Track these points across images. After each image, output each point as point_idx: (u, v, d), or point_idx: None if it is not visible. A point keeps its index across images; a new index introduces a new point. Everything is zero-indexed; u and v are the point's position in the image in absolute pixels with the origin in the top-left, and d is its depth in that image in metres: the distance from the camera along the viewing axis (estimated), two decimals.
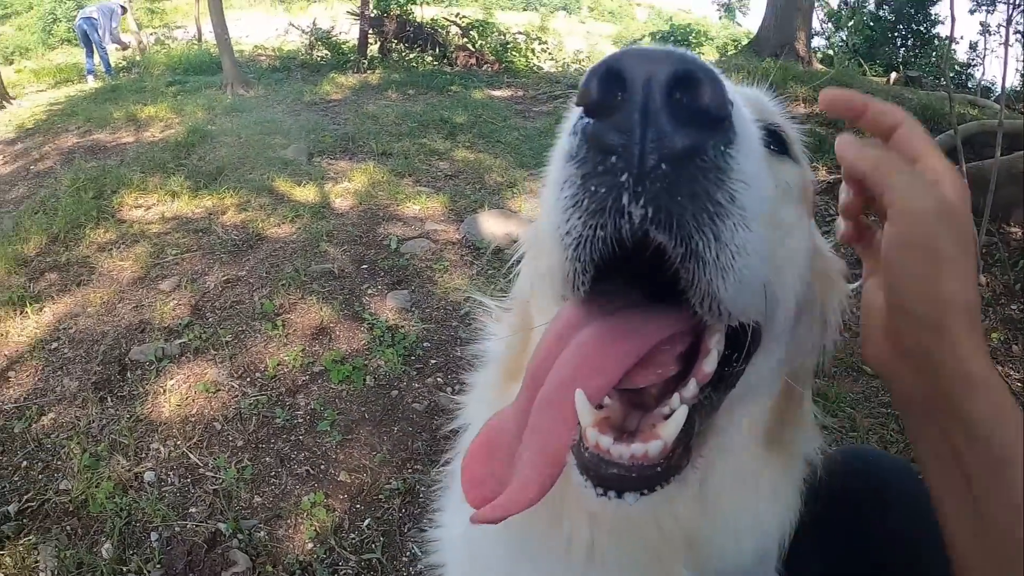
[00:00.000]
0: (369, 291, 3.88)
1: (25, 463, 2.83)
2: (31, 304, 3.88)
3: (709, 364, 0.56)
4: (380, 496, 2.61)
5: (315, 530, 2.45)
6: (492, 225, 4.48)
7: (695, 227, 0.47)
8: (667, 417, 0.54)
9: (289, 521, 2.51)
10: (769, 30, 11.23)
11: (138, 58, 13.70)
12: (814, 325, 0.76)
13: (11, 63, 16.90)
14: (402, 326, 3.56)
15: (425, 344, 3.43)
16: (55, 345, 3.55)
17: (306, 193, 5.31)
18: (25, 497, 2.65)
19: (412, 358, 3.33)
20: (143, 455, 2.81)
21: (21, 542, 2.43)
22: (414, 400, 3.09)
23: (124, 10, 13.23)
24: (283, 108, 8.44)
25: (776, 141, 0.71)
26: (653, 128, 0.44)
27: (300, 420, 2.97)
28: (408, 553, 2.39)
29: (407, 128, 7.26)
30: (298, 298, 3.77)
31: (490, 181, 5.69)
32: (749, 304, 0.52)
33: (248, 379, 3.20)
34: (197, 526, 2.48)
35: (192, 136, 6.74)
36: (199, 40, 15.58)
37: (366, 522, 2.50)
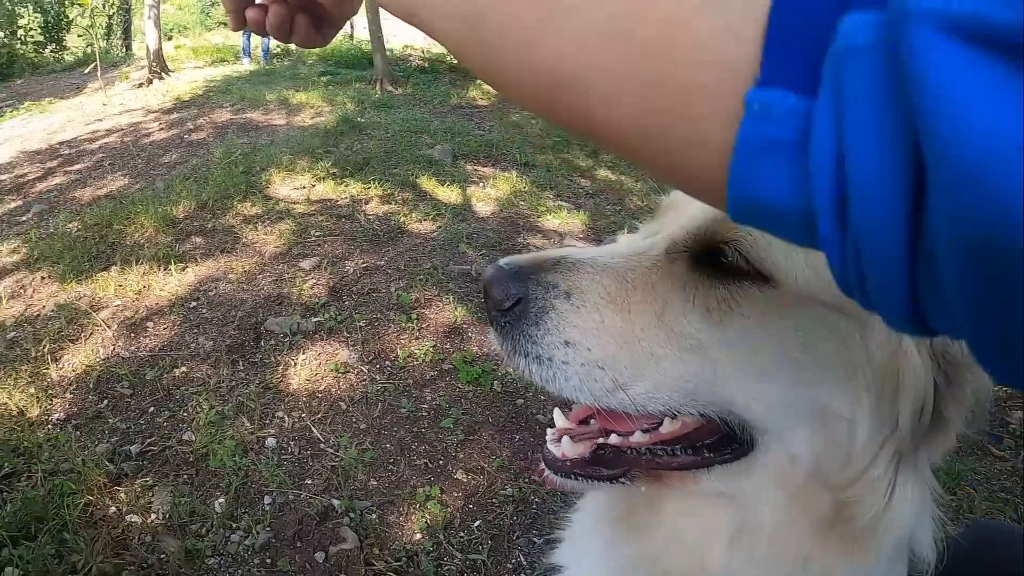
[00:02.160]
0: None
1: (152, 409, 3.18)
2: (175, 263, 4.36)
3: (664, 428, 0.76)
4: (494, 500, 2.74)
5: (426, 522, 2.62)
6: None
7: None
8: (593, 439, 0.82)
9: (401, 509, 2.68)
10: None
11: (292, 47, 14.79)
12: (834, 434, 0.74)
13: (170, 39, 18.65)
14: None
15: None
16: (194, 304, 3.97)
17: (449, 194, 5.63)
18: (148, 440, 2.99)
19: None
20: (267, 421, 3.09)
21: (138, 481, 2.74)
22: (538, 412, 3.23)
23: None
24: (430, 108, 8.95)
25: None
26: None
27: (424, 413, 3.16)
28: (513, 561, 2.50)
29: (551, 142, 7.57)
30: (434, 295, 4.01)
31: (630, 204, 5.84)
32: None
33: (378, 366, 3.45)
34: (311, 498, 2.69)
35: (342, 125, 7.30)
36: (351, 35, 16.70)
37: (476, 523, 2.63)
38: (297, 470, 2.84)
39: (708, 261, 0.72)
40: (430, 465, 2.89)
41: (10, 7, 16.07)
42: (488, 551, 2.51)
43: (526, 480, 2.83)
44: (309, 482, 2.78)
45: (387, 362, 3.49)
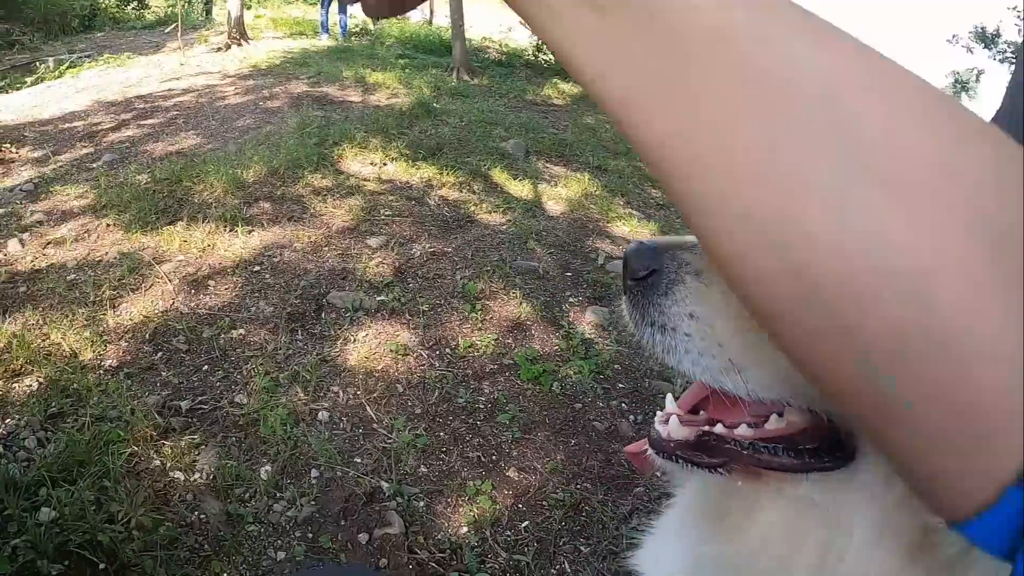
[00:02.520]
0: (570, 299, 4.01)
1: (207, 367, 3.17)
2: (242, 225, 4.38)
3: (770, 425, 0.76)
4: (544, 503, 2.67)
5: (473, 516, 2.55)
6: None
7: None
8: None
9: (450, 500, 2.63)
10: (1001, 122, 10.92)
11: (371, 27, 15.01)
12: None
13: (250, 8, 18.99)
14: (597, 342, 3.65)
15: (616, 366, 3.49)
16: (257, 269, 3.97)
17: (520, 188, 5.59)
18: (199, 398, 2.97)
19: (601, 376, 3.40)
20: (321, 394, 3.05)
21: (185, 438, 2.72)
22: (596, 418, 3.15)
23: None
24: (505, 102, 8.97)
25: None
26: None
27: (481, 406, 3.10)
28: (558, 567, 2.43)
29: (623, 148, 7.53)
30: (500, 288, 3.96)
31: None
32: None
33: (438, 352, 3.40)
34: (359, 477, 2.64)
35: (417, 108, 7.32)
36: (430, 21, 16.85)
37: (524, 524, 2.56)
38: (347, 447, 2.80)
39: None
40: (483, 459, 2.83)
41: None
42: (533, 553, 2.44)
43: (578, 486, 2.75)
44: (359, 461, 2.74)
45: (447, 349, 3.43)
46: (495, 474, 2.77)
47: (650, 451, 0.82)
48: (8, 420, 2.77)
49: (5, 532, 2.21)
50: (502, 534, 2.51)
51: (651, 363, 3.54)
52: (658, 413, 0.85)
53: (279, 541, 2.38)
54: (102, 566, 2.15)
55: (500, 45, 14.77)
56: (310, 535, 2.41)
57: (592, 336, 3.70)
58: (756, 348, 0.71)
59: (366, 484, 2.61)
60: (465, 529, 2.51)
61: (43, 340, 3.25)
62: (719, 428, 0.79)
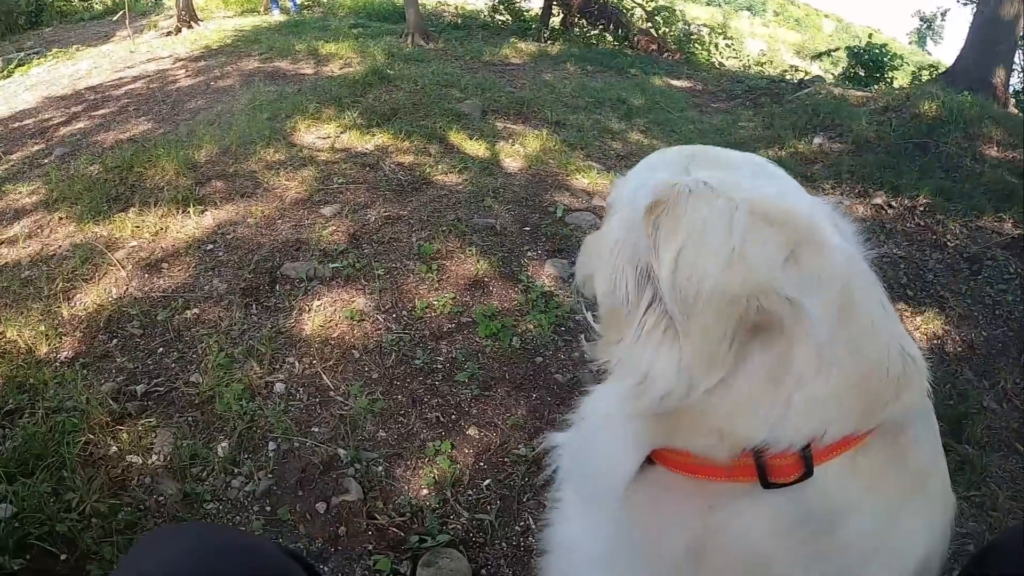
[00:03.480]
0: (529, 254, 4.01)
1: (161, 350, 3.17)
2: (194, 206, 4.35)
3: None
4: (506, 460, 2.68)
5: (433, 478, 2.56)
6: None
7: None
8: None
9: (410, 463, 2.64)
10: (967, 61, 10.89)
11: None
12: None
13: None
14: (557, 295, 3.65)
15: (577, 317, 3.49)
16: (211, 247, 3.96)
17: (476, 148, 5.55)
18: (155, 381, 2.97)
19: (562, 329, 3.41)
20: (277, 366, 3.06)
21: (141, 422, 2.73)
22: (557, 371, 3.16)
23: None
24: (461, 64, 8.88)
25: None
26: None
27: (439, 366, 3.11)
28: (522, 523, 2.44)
29: (583, 102, 7.49)
30: (456, 247, 3.95)
31: None
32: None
33: (394, 315, 3.40)
34: (316, 446, 2.65)
35: (370, 76, 7.23)
36: None
37: (486, 482, 2.58)
38: (304, 417, 2.81)
39: None
40: (442, 419, 2.84)
41: None
42: (496, 511, 2.46)
43: (540, 441, 2.76)
44: (316, 430, 2.75)
45: (404, 312, 3.43)
46: (455, 433, 2.78)
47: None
48: None
49: None
50: (464, 494, 2.52)
51: None
52: None
53: (238, 517, 2.39)
54: (63, 557, 2.17)
55: (456, 8, 14.61)
56: (268, 508, 2.43)
57: (551, 289, 3.70)
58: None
59: (323, 453, 2.62)
60: (425, 491, 2.53)
61: None
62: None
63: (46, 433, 2.61)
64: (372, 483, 2.54)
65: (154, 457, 2.60)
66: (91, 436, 2.63)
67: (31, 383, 2.93)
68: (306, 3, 14.60)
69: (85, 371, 3.00)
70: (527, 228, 4.30)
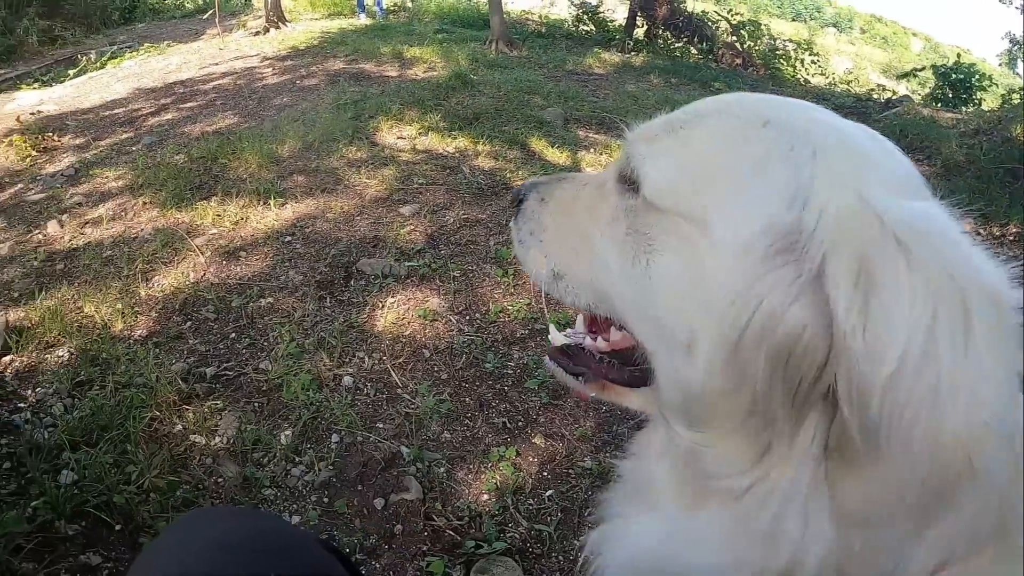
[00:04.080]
0: None
1: (233, 335, 3.24)
2: (275, 198, 4.48)
3: (612, 336, 0.89)
4: (570, 471, 2.64)
5: (495, 484, 2.54)
6: None
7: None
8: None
9: (472, 466, 2.62)
10: None
11: (409, 4, 15.15)
12: None
13: None
14: None
15: None
16: (289, 239, 4.05)
17: (558, 155, 5.57)
18: (224, 365, 3.04)
19: None
20: (346, 360, 3.09)
21: (208, 404, 2.79)
22: None
23: None
24: (544, 72, 8.94)
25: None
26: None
27: (509, 371, 3.09)
28: (582, 538, 2.39)
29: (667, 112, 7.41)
30: None
31: None
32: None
33: (467, 318, 3.41)
34: (380, 442, 2.66)
35: (454, 80, 7.35)
36: None
37: (548, 492, 2.54)
38: (370, 412, 2.82)
39: (626, 185, 0.80)
40: (508, 425, 2.82)
41: None
42: (556, 524, 2.42)
43: (607, 455, 2.72)
44: (380, 426, 2.76)
45: (477, 315, 3.44)
46: (521, 441, 2.76)
47: (547, 359, 0.99)
48: (39, 389, 2.89)
49: (27, 494, 2.30)
50: (524, 502, 2.49)
51: None
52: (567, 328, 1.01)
53: (294, 505, 2.41)
54: (118, 527, 2.22)
55: (540, 17, 14.75)
56: (326, 500, 2.44)
57: None
58: (570, 260, 0.86)
59: (386, 449, 2.63)
60: (486, 497, 2.50)
61: (77, 313, 3.38)
62: (587, 341, 0.92)
63: (114, 406, 2.69)
64: (432, 484, 2.53)
65: (217, 439, 2.65)
66: (157, 413, 2.69)
67: (103, 357, 3.04)
68: (392, 8, 14.93)
69: (157, 350, 3.09)
70: None
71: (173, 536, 0.98)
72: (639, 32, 12.87)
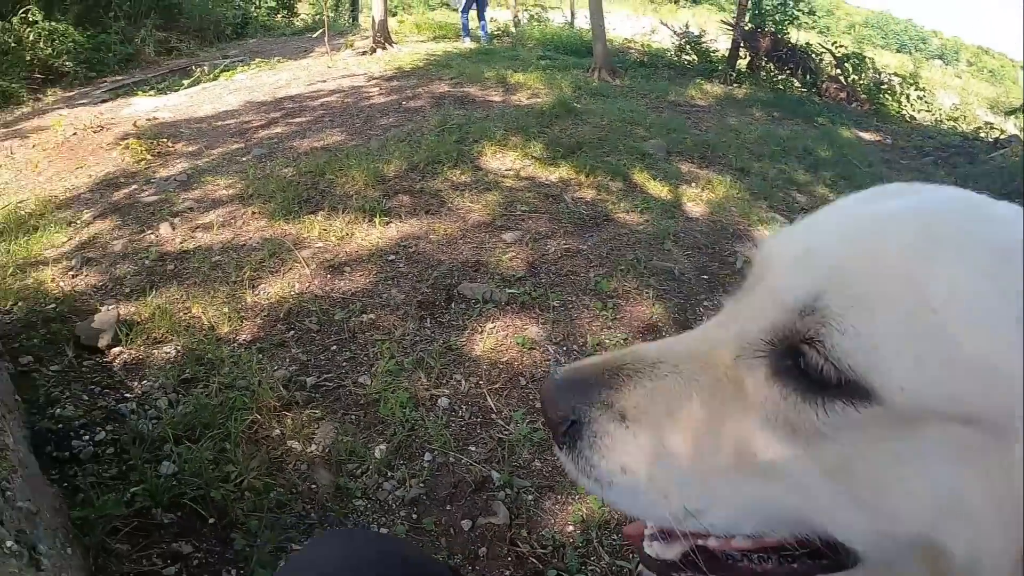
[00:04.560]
0: (705, 303, 3.99)
1: (335, 347, 3.38)
2: (380, 216, 4.66)
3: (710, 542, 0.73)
4: None
5: (581, 516, 2.57)
6: None
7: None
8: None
9: (560, 497, 2.66)
10: None
11: (513, 29, 15.43)
12: None
13: (394, 15, 19.92)
14: None
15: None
16: (392, 258, 4.21)
17: (659, 189, 5.60)
18: (325, 376, 3.17)
19: None
20: (444, 381, 3.17)
21: (307, 412, 2.92)
22: None
23: None
24: (647, 102, 8.98)
25: None
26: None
27: None
28: None
29: (768, 150, 7.39)
30: (633, 287, 3.98)
31: None
32: None
33: (564, 348, 3.46)
34: (471, 465, 2.73)
35: (557, 108, 7.47)
36: (571, 24, 17.16)
37: None
38: (463, 434, 2.89)
39: (792, 366, 0.62)
40: None
41: None
42: (637, 562, 2.43)
43: None
44: (472, 449, 2.82)
45: (574, 345, 3.48)
46: None
47: (644, 572, 0.82)
48: (145, 382, 3.09)
49: (127, 480, 2.47)
50: (608, 537, 2.51)
51: None
52: (647, 527, 0.82)
53: (383, 518, 2.50)
54: (211, 520, 2.36)
55: (642, 46, 14.81)
56: (414, 516, 2.52)
57: None
58: (711, 489, 0.66)
59: (477, 472, 2.70)
60: (571, 528, 2.54)
61: (185, 313, 3.58)
62: (713, 541, 0.72)
63: (216, 406, 2.86)
64: (520, 510, 2.58)
65: (313, 446, 2.76)
66: (258, 416, 2.84)
67: (209, 358, 3.22)
68: (496, 32, 15.22)
69: (260, 355, 3.25)
70: (705, 277, 4.28)
71: (314, 551, 1.05)
72: (742, 63, 12.80)
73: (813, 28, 18.58)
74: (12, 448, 1.91)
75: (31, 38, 10.67)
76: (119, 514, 2.28)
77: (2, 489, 1.69)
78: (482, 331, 3.53)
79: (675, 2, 34.80)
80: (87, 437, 2.68)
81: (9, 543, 1.52)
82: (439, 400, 3.06)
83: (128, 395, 3.02)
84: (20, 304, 3.68)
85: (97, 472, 2.51)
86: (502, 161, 5.90)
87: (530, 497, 2.64)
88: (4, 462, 1.80)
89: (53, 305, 3.66)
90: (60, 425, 2.72)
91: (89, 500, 2.34)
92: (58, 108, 8.75)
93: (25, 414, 2.69)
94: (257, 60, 11.64)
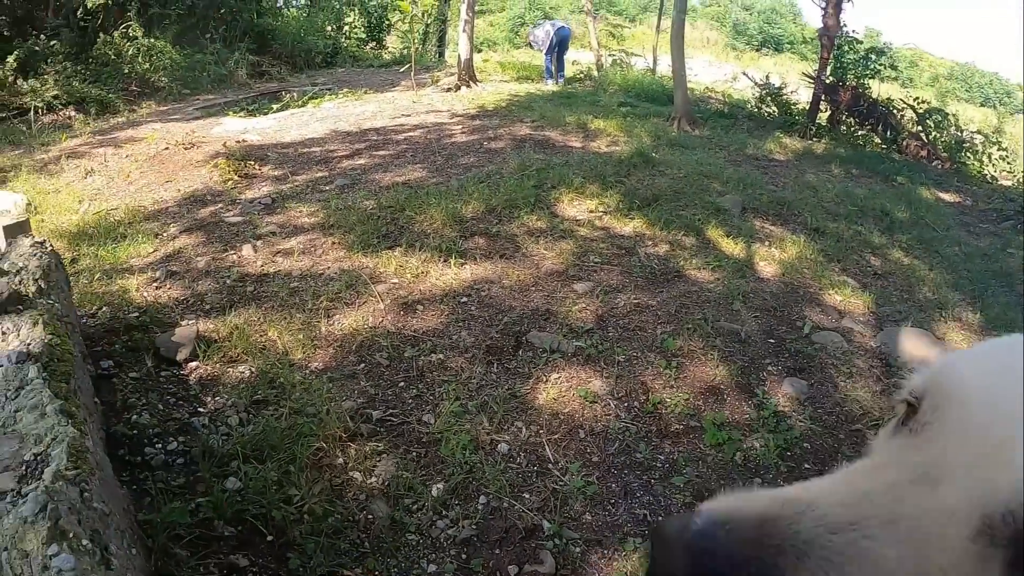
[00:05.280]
0: (769, 367, 4.01)
1: (402, 384, 3.53)
2: (455, 257, 4.83)
3: None
4: None
5: (626, 573, 2.63)
6: (912, 345, 4.33)
7: None
8: None
9: (607, 552, 2.73)
10: None
11: (595, 74, 15.64)
12: None
13: (479, 51, 20.40)
14: (790, 416, 3.61)
15: (805, 445, 3.43)
16: (465, 300, 4.37)
17: (732, 246, 5.64)
18: (390, 411, 3.32)
19: (788, 454, 3.36)
20: (505, 427, 3.29)
21: (370, 444, 3.07)
22: None
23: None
24: (725, 155, 9.01)
25: None
26: None
27: (659, 464, 3.19)
28: None
29: (844, 210, 7.30)
30: (698, 347, 4.04)
31: (919, 294, 5.46)
32: None
33: (626, 404, 3.54)
34: (524, 512, 2.82)
35: (636, 158, 7.59)
36: (653, 70, 17.29)
37: None
38: (519, 481, 2.99)
39: None
40: (650, 518, 2.90)
41: (339, 6, 18.85)
42: None
43: None
44: (527, 496, 2.92)
45: (636, 403, 3.56)
46: None
47: None
48: (218, 398, 3.30)
49: (193, 491, 2.66)
50: None
51: (844, 448, 3.48)
52: None
53: (433, 555, 2.61)
54: (269, 538, 2.52)
55: (723, 95, 14.84)
56: (463, 556, 2.62)
57: (785, 409, 3.67)
58: None
59: (528, 520, 2.79)
60: None
61: (261, 335, 3.79)
62: None
63: (285, 430, 3.03)
64: (566, 561, 2.65)
65: (373, 479, 2.90)
66: (323, 444, 3.00)
67: (280, 382, 3.41)
68: (577, 76, 15.47)
69: (331, 385, 3.42)
70: (771, 340, 4.30)
71: None
72: (822, 117, 12.73)
73: (895, 80, 18.35)
74: (91, 451, 2.06)
75: (130, 52, 11.38)
76: (183, 522, 2.45)
77: (81, 491, 1.82)
78: (547, 380, 3.63)
79: (757, 49, 34.82)
80: (159, 445, 2.89)
81: (85, 541, 1.64)
82: (499, 445, 3.16)
83: (201, 409, 3.22)
84: (105, 309, 3.98)
85: (166, 479, 2.70)
86: (578, 209, 6.02)
87: (578, 550, 2.71)
88: (84, 464, 1.93)
89: (136, 314, 3.94)
90: (135, 431, 2.92)
91: (156, 506, 2.52)
92: (151, 121, 9.28)
93: (103, 417, 2.90)
94: (345, 90, 12.08)
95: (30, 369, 2.36)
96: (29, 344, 2.51)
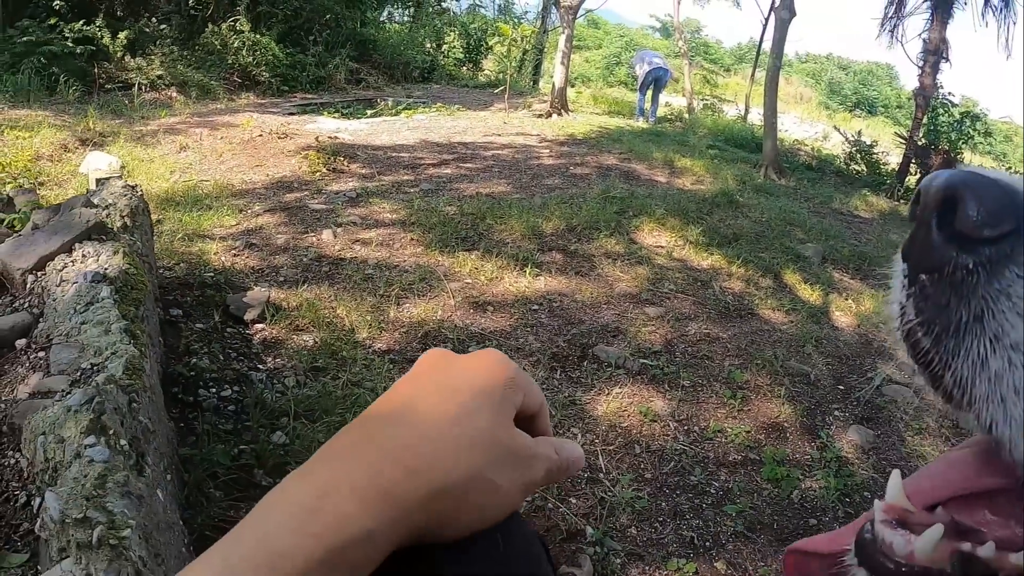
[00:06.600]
0: (836, 412, 3.94)
1: None
2: (531, 268, 4.90)
3: None
4: None
5: None
6: None
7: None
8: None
9: (648, 568, 2.69)
10: None
11: (686, 116, 15.65)
12: None
13: (573, 85, 20.62)
14: (853, 463, 3.53)
15: (866, 493, 3.35)
16: (535, 308, 4.43)
17: (809, 292, 5.57)
18: None
19: (847, 500, 3.28)
20: (561, 431, 3.29)
21: None
22: None
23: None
24: (809, 206, 8.90)
25: None
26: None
27: (712, 491, 3.14)
28: None
29: None
30: (765, 383, 3.99)
31: None
32: None
33: (685, 428, 3.51)
34: (568, 515, 2.81)
35: (720, 197, 7.58)
36: (744, 118, 17.20)
37: None
38: (568, 486, 2.97)
39: None
40: (696, 542, 2.86)
41: (440, 25, 19.37)
42: None
43: None
44: (573, 501, 2.91)
45: (696, 428, 3.53)
46: (703, 560, 2.78)
47: (852, 565, 0.53)
48: (278, 360, 3.43)
49: (239, 437, 2.75)
50: None
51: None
52: (878, 505, 0.56)
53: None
54: None
55: (812, 149, 14.68)
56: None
57: (849, 455, 3.59)
58: None
59: (571, 523, 2.77)
60: None
61: (330, 311, 3.92)
62: (987, 550, 0.48)
63: (340, 397, 3.12)
64: (605, 570, 2.63)
65: None
66: None
67: (343, 355, 3.52)
68: (669, 117, 15.48)
69: (390, 365, 3.50)
70: (840, 386, 4.23)
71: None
72: (911, 179, 12.53)
73: (988, 153, 17.93)
74: (147, 373, 2.14)
75: (235, 45, 11.82)
76: (224, 463, 2.53)
77: (131, 400, 1.87)
78: (608, 393, 3.63)
79: (850, 110, 34.33)
80: (214, 390, 3.01)
81: (123, 442, 1.68)
82: None
83: (260, 367, 3.34)
84: (182, 265, 4.19)
85: (213, 423, 2.81)
86: (657, 239, 6.04)
87: (618, 560, 2.68)
88: (138, 380, 2.00)
89: (211, 273, 4.13)
90: (192, 373, 3.04)
91: (200, 445, 2.61)
92: (249, 111, 9.61)
93: (164, 357, 3.02)
94: (438, 104, 12.33)
95: (103, 289, 2.48)
96: (107, 268, 2.63)
